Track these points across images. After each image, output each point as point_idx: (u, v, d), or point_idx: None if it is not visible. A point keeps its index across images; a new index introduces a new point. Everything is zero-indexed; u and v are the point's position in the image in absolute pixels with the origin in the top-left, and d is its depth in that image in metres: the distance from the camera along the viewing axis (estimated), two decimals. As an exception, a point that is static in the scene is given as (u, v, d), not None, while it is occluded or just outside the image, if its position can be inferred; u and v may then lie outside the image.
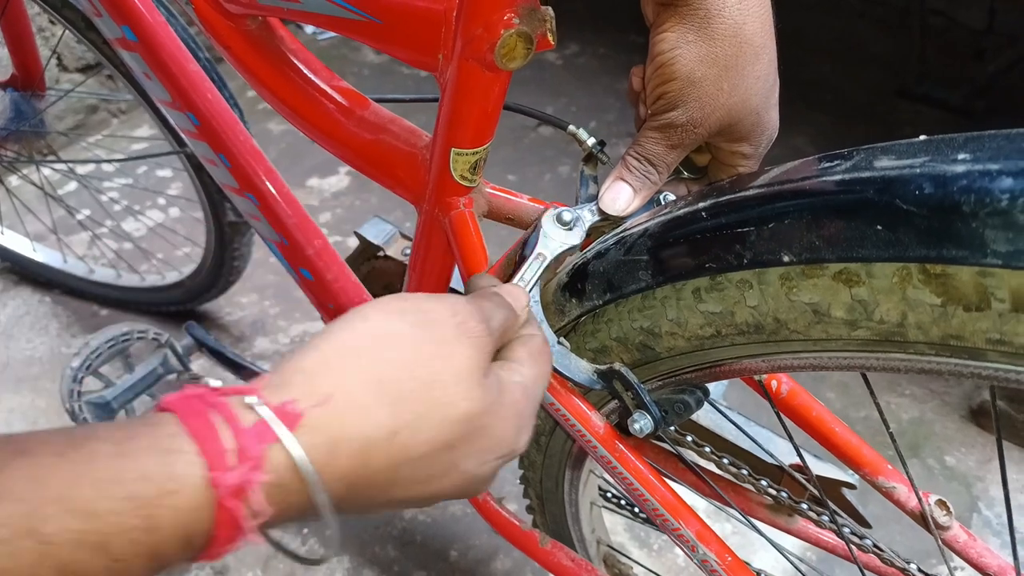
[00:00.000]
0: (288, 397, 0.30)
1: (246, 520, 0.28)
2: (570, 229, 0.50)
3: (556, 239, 0.50)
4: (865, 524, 0.66)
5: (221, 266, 1.24)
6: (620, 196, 0.50)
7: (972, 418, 1.28)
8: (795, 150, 1.95)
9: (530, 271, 0.49)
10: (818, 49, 2.35)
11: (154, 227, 1.51)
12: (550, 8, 0.44)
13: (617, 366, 0.49)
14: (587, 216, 0.51)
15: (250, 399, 0.29)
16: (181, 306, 1.37)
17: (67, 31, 1.02)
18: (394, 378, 0.33)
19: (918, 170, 0.33)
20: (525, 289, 0.47)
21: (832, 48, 2.36)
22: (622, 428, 0.53)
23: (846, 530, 0.57)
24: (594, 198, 0.59)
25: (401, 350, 0.34)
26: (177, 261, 1.39)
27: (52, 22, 1.58)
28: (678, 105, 0.44)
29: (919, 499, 0.54)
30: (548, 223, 0.50)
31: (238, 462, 0.27)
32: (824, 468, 0.65)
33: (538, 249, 0.49)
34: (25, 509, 0.24)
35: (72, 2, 0.95)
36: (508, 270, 0.55)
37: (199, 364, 1.02)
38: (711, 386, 0.68)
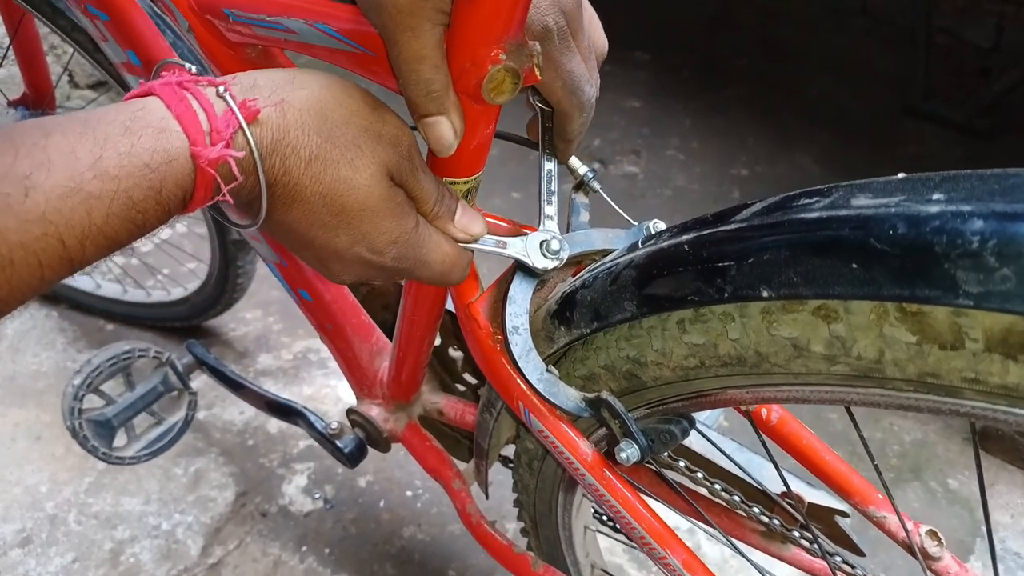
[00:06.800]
0: (253, 96, 0.38)
1: (216, 184, 0.37)
2: (551, 256, 0.52)
3: (516, 246, 0.52)
4: (859, 552, 0.66)
5: (225, 283, 1.25)
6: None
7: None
8: (800, 168, 1.95)
9: (487, 244, 0.51)
10: (824, 67, 2.35)
11: (160, 243, 1.53)
12: (537, 44, 0.45)
13: (604, 395, 0.49)
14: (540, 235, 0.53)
15: (222, 91, 0.37)
16: (186, 322, 1.38)
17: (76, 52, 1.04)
18: (334, 121, 0.40)
19: (892, 210, 0.33)
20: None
21: (838, 66, 2.37)
22: (610, 456, 0.53)
23: (837, 559, 0.57)
24: (586, 225, 0.59)
25: (350, 108, 0.41)
26: (182, 277, 1.41)
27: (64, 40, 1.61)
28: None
29: (905, 530, 0.54)
30: (532, 245, 0.52)
31: (212, 142, 0.36)
32: (817, 496, 0.65)
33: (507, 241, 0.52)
34: (70, 174, 0.33)
35: (81, 26, 0.97)
36: (500, 294, 0.56)
37: (199, 382, 1.03)
38: (706, 412, 0.68)
